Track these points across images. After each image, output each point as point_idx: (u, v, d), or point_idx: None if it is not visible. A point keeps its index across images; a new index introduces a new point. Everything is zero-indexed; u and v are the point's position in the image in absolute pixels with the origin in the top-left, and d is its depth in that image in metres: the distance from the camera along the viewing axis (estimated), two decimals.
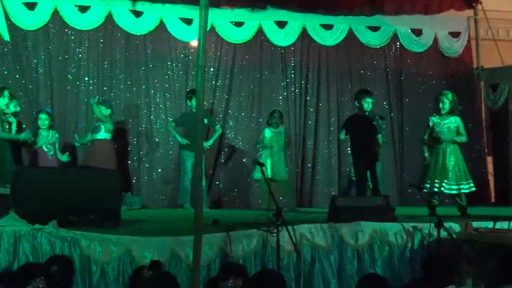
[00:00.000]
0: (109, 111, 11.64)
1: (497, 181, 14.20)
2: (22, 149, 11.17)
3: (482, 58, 14.37)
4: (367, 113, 11.27)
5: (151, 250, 7.87)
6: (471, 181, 10.87)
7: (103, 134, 11.56)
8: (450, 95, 11.07)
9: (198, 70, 6.94)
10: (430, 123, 10.92)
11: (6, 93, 10.24)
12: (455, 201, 10.86)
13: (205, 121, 11.60)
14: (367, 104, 11.30)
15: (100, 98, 12.03)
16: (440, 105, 10.94)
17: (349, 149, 12.38)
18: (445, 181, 10.71)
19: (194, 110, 11.97)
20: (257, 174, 11.69)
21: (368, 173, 11.27)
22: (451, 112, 10.93)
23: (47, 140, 11.19)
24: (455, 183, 10.76)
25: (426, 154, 11.00)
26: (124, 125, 12.84)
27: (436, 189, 10.70)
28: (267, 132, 12.17)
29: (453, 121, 10.89)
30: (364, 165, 11.24)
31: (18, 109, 11.04)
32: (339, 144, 13.62)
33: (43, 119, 11.22)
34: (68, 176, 9.35)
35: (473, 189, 10.89)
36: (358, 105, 11.37)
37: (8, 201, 9.15)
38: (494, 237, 8.65)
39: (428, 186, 10.75)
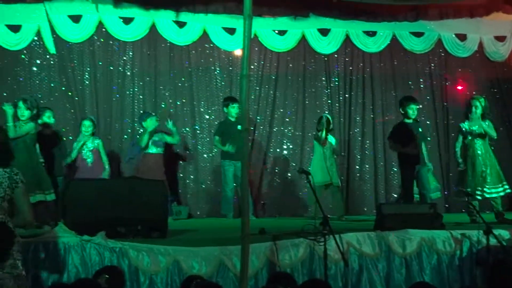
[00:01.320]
0: (157, 123, 11.77)
1: None
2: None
3: None
4: (412, 120, 11.21)
5: (199, 260, 7.90)
6: (505, 183, 10.80)
7: (154, 149, 11.72)
8: (482, 100, 10.99)
9: (242, 80, 6.94)
10: (463, 131, 10.86)
11: (20, 104, 10.18)
12: (491, 205, 10.82)
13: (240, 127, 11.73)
14: (412, 110, 11.24)
15: (151, 112, 12.17)
16: (473, 109, 10.87)
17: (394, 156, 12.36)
18: (486, 186, 10.66)
19: (230, 118, 12.03)
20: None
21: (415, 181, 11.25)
22: (482, 118, 10.86)
23: (86, 147, 11.30)
24: (492, 186, 10.71)
25: (460, 161, 10.94)
26: None
27: (479, 197, 10.64)
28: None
29: (485, 125, 10.81)
30: (411, 173, 11.18)
31: (52, 120, 11.00)
32: (385, 152, 13.55)
33: (87, 126, 11.35)
34: (115, 187, 9.43)
35: (508, 190, 10.83)
36: (403, 112, 11.30)
37: (51, 209, 9.32)
38: None
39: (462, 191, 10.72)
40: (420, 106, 11.85)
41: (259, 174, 13.20)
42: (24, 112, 9.49)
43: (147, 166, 11.61)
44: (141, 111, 12.40)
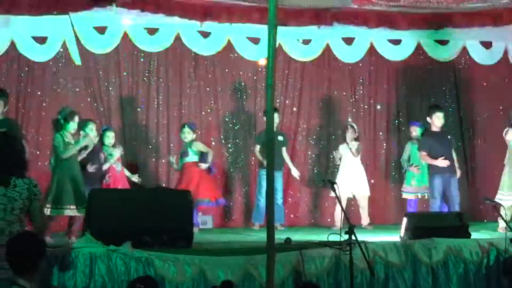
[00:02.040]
0: (193, 134, 11.92)
1: None
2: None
3: None
4: (439, 128, 11.25)
5: (224, 269, 7.93)
6: None
7: (192, 157, 11.83)
8: None
9: (267, 90, 6.96)
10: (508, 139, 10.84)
11: (76, 117, 10.41)
12: None
13: (281, 138, 11.74)
14: (438, 118, 11.28)
15: (187, 123, 12.24)
16: None
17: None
18: None
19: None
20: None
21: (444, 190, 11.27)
22: None
23: (113, 156, 11.40)
24: None
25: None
26: None
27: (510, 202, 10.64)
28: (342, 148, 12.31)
29: None
30: (439, 181, 11.20)
31: (95, 133, 11.15)
32: None
33: (110, 137, 11.45)
34: (140, 196, 9.52)
35: None
36: (430, 120, 11.34)
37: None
38: None
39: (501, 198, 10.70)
40: (445, 113, 11.77)
41: (287, 184, 13.20)
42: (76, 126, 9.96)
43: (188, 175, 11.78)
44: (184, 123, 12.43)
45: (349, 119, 13.32)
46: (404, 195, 12.59)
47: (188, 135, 11.90)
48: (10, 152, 5.97)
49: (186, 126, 11.99)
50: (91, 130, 10.94)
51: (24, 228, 5.83)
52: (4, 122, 10.02)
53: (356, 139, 12.33)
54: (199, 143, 12.08)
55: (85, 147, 10.52)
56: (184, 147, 12.04)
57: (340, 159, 12.32)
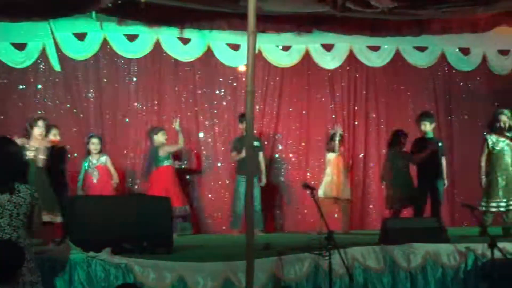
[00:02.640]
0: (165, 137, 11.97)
1: None
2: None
3: None
4: (427, 135, 11.43)
5: (204, 275, 7.92)
6: None
7: (167, 161, 11.85)
8: (508, 113, 11.05)
9: (247, 96, 7.00)
10: (490, 143, 10.89)
11: (40, 123, 10.34)
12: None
13: (257, 144, 11.75)
14: (425, 126, 11.48)
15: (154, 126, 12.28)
16: (501, 124, 10.92)
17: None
18: (504, 200, 10.75)
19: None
20: None
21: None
22: (509, 130, 10.92)
23: (93, 164, 11.41)
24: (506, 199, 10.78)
25: (483, 176, 10.97)
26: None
27: (493, 209, 10.71)
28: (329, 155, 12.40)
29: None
30: (426, 186, 11.33)
31: (58, 138, 10.96)
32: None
33: (96, 144, 11.48)
34: (120, 203, 9.52)
35: None
36: (419, 127, 11.59)
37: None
38: None
39: (484, 205, 10.76)
40: (434, 122, 11.92)
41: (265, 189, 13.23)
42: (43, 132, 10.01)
43: (160, 179, 11.81)
44: (151, 126, 12.46)
45: (337, 127, 13.34)
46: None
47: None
48: (14, 157, 6.00)
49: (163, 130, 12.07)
50: (55, 136, 10.80)
51: (24, 232, 5.86)
52: None
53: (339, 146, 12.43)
54: (166, 145, 12.10)
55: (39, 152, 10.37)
56: (152, 153, 12.07)
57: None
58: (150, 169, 12.09)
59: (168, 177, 11.95)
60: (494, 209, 10.79)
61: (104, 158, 11.52)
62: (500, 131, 10.87)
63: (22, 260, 5.26)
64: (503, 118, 10.94)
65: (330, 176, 12.34)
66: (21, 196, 5.84)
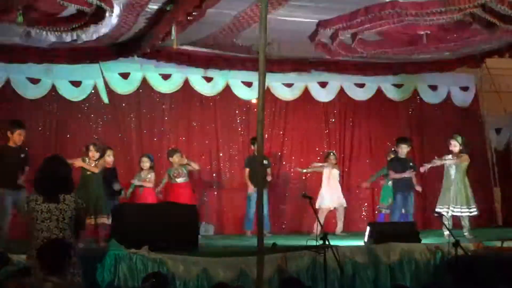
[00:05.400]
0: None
1: (504, 207, 13.99)
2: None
3: (487, 108, 14.25)
4: (403, 155, 11.48)
5: (223, 268, 7.97)
6: (474, 206, 10.81)
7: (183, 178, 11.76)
8: (459, 138, 11.05)
9: (258, 124, 7.01)
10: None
11: (92, 147, 10.44)
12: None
13: (266, 162, 11.75)
14: (401, 149, 11.52)
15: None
16: (452, 148, 10.99)
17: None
18: (452, 205, 10.74)
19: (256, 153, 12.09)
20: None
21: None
22: (460, 152, 10.95)
23: (143, 178, 11.42)
24: (460, 206, 10.78)
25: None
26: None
27: (445, 213, 10.70)
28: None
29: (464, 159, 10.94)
30: (400, 198, 11.34)
31: (112, 158, 11.00)
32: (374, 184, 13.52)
33: (144, 162, 11.49)
34: (156, 210, 9.56)
35: (475, 213, 10.93)
36: (396, 149, 11.62)
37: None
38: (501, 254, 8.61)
39: (439, 210, 10.78)
40: (410, 146, 11.96)
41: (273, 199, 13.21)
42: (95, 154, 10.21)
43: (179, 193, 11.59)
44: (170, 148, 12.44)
45: (325, 148, 13.31)
46: (383, 211, 12.58)
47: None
48: (60, 173, 5.99)
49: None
50: (109, 156, 10.86)
51: (70, 232, 5.87)
52: (23, 149, 9.96)
53: (335, 164, 12.50)
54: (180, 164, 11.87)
55: None
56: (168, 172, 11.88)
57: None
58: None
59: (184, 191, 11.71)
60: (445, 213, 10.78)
61: (151, 175, 11.50)
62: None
63: (69, 254, 5.29)
64: (454, 142, 11.00)
65: (326, 187, 12.35)
66: (66, 203, 5.83)
